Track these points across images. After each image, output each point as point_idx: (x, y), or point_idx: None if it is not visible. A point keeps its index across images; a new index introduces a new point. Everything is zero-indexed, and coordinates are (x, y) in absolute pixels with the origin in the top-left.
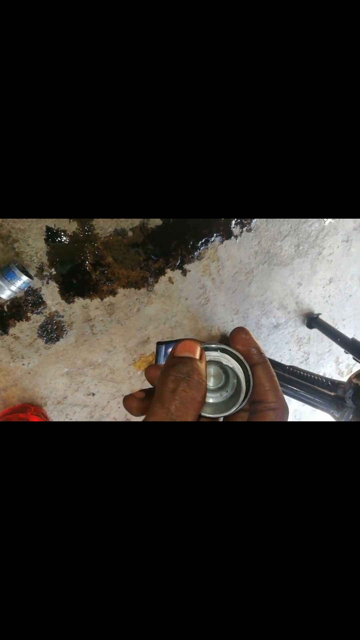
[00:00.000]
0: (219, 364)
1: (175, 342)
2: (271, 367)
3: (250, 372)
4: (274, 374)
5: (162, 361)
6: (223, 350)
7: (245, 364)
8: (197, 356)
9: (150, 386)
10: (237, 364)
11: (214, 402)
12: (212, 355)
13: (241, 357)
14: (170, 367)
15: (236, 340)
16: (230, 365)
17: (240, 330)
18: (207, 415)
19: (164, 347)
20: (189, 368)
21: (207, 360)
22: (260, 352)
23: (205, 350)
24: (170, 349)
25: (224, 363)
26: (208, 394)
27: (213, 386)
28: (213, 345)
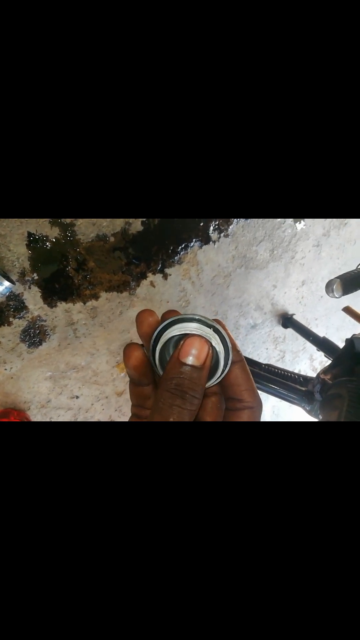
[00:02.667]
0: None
1: (183, 337)
2: (247, 366)
3: (229, 362)
4: (250, 373)
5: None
6: (216, 331)
7: (230, 352)
8: (201, 363)
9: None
10: (222, 348)
11: None
12: (206, 331)
13: (229, 345)
14: (172, 377)
15: None
16: (217, 350)
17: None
18: None
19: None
20: (191, 378)
21: (198, 334)
22: (237, 350)
23: (201, 323)
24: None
25: (213, 344)
26: None
27: None
28: (209, 322)
